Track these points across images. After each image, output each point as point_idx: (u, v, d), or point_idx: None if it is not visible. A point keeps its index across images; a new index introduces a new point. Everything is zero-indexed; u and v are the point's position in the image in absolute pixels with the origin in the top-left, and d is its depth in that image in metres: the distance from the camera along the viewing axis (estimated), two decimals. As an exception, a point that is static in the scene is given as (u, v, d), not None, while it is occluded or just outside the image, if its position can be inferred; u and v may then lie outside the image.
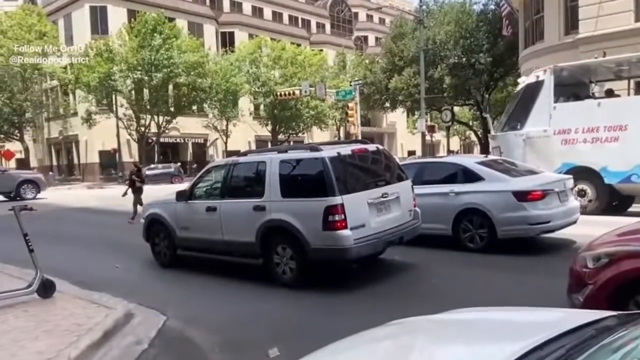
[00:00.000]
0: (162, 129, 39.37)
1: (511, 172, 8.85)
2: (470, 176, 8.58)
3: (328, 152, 6.72)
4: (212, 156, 46.11)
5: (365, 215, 6.62)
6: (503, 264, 7.76)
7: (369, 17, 71.51)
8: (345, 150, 7.03)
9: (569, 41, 18.69)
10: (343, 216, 6.33)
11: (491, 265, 7.67)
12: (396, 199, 7.14)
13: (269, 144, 43.35)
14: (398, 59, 31.92)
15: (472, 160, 9.13)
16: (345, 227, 6.36)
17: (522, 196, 7.91)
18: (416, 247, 8.22)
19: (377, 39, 65.15)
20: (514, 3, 24.90)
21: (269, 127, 46.02)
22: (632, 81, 13.97)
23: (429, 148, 39.28)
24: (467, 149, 69.16)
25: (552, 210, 8.06)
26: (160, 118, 38.82)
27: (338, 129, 54.02)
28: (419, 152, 50.32)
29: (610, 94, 12.86)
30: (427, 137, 34.11)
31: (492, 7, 30.97)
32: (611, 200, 12.00)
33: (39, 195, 24.30)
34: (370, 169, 7.54)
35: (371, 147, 7.62)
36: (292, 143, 44.56)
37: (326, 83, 39.79)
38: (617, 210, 11.96)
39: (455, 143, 65.58)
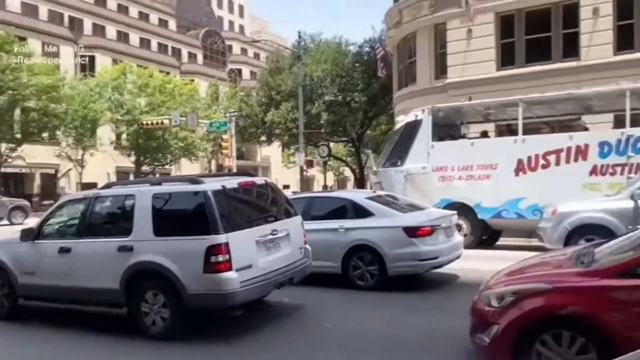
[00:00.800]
0: (5, 157, 34.85)
1: (399, 207, 8.70)
2: (360, 211, 8.27)
3: (211, 185, 5.95)
4: (64, 189, 41.51)
5: (252, 254, 5.91)
6: (393, 301, 7.51)
7: (244, 51, 71.58)
8: (231, 183, 6.30)
9: (439, 85, 19.79)
10: (228, 256, 5.57)
11: (382, 304, 7.39)
12: (286, 236, 6.52)
13: (131, 176, 40.37)
14: (275, 93, 31.84)
15: (361, 195, 8.87)
16: (230, 269, 5.59)
17: (413, 232, 7.72)
18: (306, 287, 7.61)
19: (252, 72, 65.15)
20: (388, 47, 26.12)
21: (132, 158, 42.84)
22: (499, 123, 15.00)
23: (305, 183, 39.54)
24: (341, 184, 71.20)
25: (440, 246, 7.98)
26: (3, 145, 34.36)
27: (209, 162, 52.34)
28: (293, 187, 50.64)
29: (485, 135, 13.65)
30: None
31: (367, 49, 32.35)
32: (482, 234, 12.52)
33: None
34: (258, 204, 6.90)
35: (259, 180, 7.00)
36: (157, 175, 42.00)
37: (198, 114, 38.31)
38: (487, 244, 12.52)
39: (330, 178, 67.24)
